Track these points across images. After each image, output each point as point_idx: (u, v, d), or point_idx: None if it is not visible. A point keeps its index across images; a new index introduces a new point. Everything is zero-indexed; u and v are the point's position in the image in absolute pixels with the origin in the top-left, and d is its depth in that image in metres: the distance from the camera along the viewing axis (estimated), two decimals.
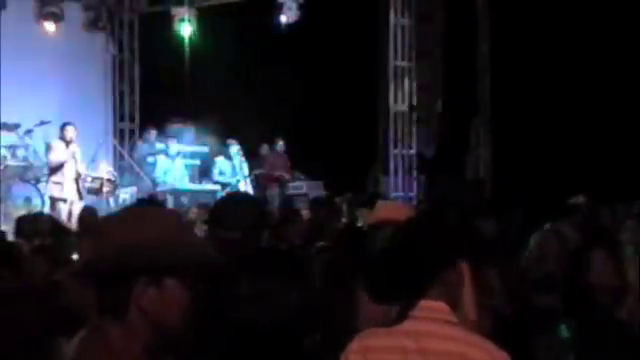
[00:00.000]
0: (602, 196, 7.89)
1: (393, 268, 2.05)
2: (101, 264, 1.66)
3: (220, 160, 11.96)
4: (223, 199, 4.08)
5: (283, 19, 12.16)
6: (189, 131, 12.17)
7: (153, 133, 12.51)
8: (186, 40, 12.95)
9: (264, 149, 12.52)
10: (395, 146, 12.02)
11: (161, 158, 11.91)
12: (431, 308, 1.99)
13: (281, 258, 2.68)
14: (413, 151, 12.02)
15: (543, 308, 4.12)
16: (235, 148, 11.91)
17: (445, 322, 1.98)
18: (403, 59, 11.98)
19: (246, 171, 12.07)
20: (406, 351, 1.97)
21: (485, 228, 5.34)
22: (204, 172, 12.22)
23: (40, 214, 8.92)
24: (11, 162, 10.48)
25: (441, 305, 1.99)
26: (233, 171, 11.94)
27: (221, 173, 11.89)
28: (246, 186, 11.86)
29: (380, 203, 3.53)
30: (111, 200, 11.12)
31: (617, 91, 10.52)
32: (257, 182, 12.06)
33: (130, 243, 1.66)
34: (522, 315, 3.26)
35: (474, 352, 1.94)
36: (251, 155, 12.35)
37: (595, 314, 3.35)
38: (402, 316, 2.02)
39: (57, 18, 12.24)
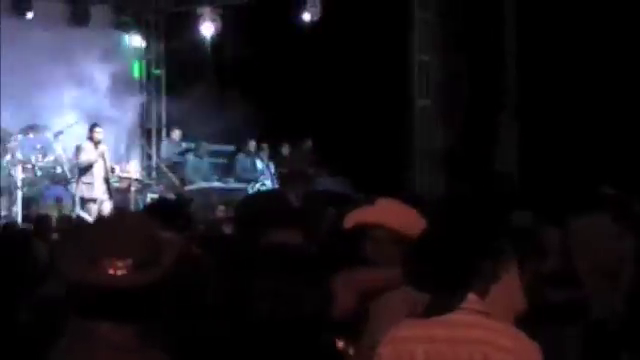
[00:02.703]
0: (631, 188, 7.87)
1: (440, 258, 2.07)
2: None
3: (241, 157, 12.19)
4: (248, 198, 4.15)
5: (306, 16, 12.29)
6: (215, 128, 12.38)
7: (178, 133, 12.72)
8: (211, 39, 13.03)
9: (286, 148, 12.72)
10: (420, 141, 12.09)
11: (190, 157, 12.17)
12: (466, 299, 2.03)
13: (296, 255, 2.72)
14: (439, 145, 12.04)
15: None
16: (253, 145, 12.12)
17: (475, 312, 2.01)
18: (427, 53, 12.00)
19: (272, 168, 12.28)
20: (434, 340, 2.01)
21: (520, 221, 5.28)
22: (228, 170, 12.45)
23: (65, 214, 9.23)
24: (42, 164, 10.69)
25: (471, 296, 2.02)
26: (254, 167, 12.13)
27: (244, 170, 12.10)
28: (273, 183, 12.06)
29: (380, 202, 3.08)
30: (139, 199, 11.33)
31: None
32: (281, 180, 12.22)
33: None
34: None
35: (503, 340, 1.97)
36: (275, 154, 12.56)
37: None
38: (444, 308, 2.03)
39: (86, 20, 12.56)
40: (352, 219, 2.96)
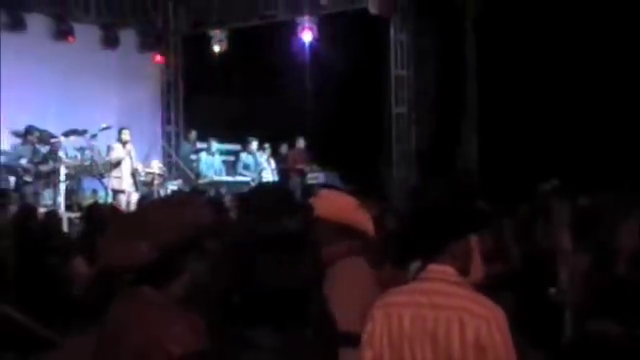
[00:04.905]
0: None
1: (410, 239, 2.39)
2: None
3: (244, 155, 12.95)
4: (252, 189, 4.45)
5: (303, 38, 13.33)
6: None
7: (194, 134, 13.65)
8: (220, 56, 14.01)
9: (284, 148, 13.63)
10: (397, 142, 12.95)
11: (203, 155, 13.00)
12: (441, 271, 2.22)
13: (296, 237, 2.65)
14: (411, 146, 12.97)
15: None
16: (254, 144, 12.88)
17: (452, 282, 2.20)
18: (402, 68, 12.88)
19: (273, 164, 13.12)
20: (419, 305, 2.19)
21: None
22: (235, 166, 13.22)
23: (101, 203, 9.90)
24: (81, 161, 11.33)
25: (449, 269, 2.22)
26: (255, 164, 12.94)
27: (245, 167, 12.92)
28: (273, 177, 12.98)
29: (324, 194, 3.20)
30: (161, 191, 12.22)
31: (597, 91, 10.84)
32: (280, 175, 13.16)
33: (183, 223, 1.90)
34: None
35: (475, 307, 2.15)
36: (275, 152, 13.45)
37: None
38: (416, 277, 2.27)
39: (116, 43, 13.58)
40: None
